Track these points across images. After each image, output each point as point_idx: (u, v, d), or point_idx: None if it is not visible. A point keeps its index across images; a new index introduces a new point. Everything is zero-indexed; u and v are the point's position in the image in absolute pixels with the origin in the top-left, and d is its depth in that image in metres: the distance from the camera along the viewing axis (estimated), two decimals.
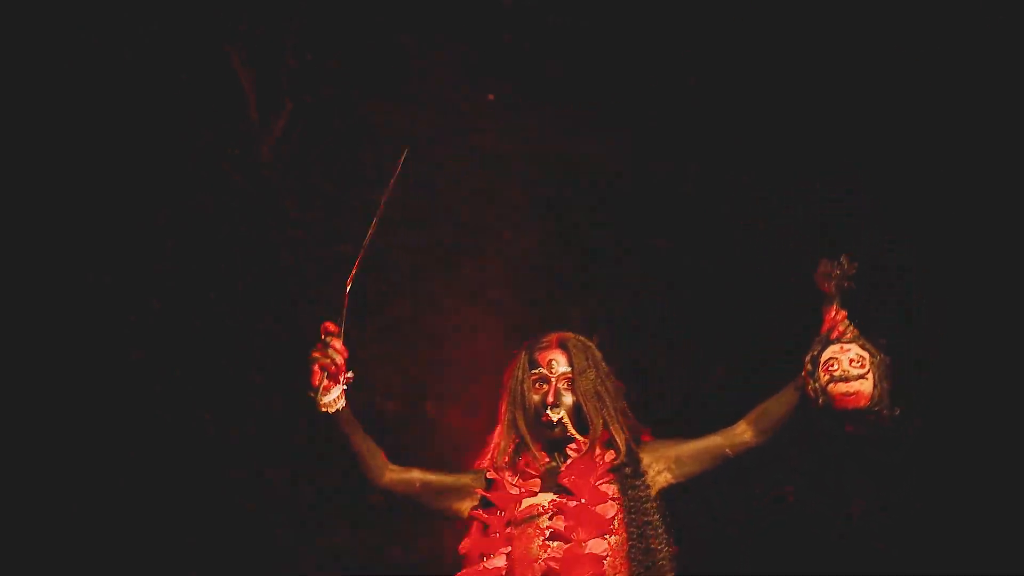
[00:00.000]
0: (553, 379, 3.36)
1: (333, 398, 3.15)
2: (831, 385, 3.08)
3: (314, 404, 3.15)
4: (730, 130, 6.55)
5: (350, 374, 3.18)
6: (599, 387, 3.36)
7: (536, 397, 3.37)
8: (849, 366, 3.06)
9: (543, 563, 3.22)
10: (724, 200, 6.61)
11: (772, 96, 6.47)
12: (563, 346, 3.43)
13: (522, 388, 3.42)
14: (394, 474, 3.33)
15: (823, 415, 3.19)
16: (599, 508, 3.23)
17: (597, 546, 3.17)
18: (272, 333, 6.68)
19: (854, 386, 3.06)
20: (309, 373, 3.14)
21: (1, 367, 6.20)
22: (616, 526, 3.25)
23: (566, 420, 3.34)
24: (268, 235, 6.76)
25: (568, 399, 3.35)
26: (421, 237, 6.85)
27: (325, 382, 3.12)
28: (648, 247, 6.73)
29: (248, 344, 6.69)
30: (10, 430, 6.19)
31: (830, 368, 3.09)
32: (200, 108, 6.66)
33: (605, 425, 3.37)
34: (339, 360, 3.15)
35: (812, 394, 3.14)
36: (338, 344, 3.17)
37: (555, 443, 3.39)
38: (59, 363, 6.32)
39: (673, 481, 3.35)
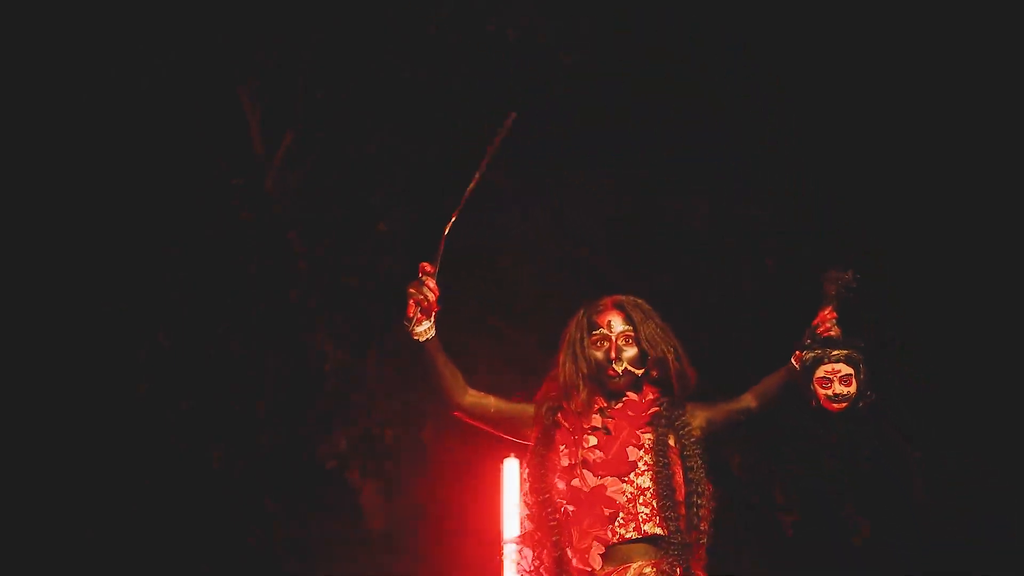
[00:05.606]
0: (613, 336, 3.55)
1: (424, 328, 3.40)
2: (824, 400, 3.59)
3: (407, 332, 3.41)
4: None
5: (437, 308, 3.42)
6: (659, 332, 3.56)
7: (599, 354, 3.55)
8: (840, 386, 3.56)
9: (563, 496, 3.44)
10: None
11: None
12: (619, 307, 3.63)
13: (582, 347, 3.59)
14: (473, 398, 3.52)
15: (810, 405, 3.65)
16: (628, 450, 3.45)
17: (614, 486, 3.40)
18: (277, 366, 6.85)
19: (843, 402, 3.58)
20: (405, 305, 3.38)
21: (15, 399, 6.37)
22: (642, 470, 3.44)
23: (631, 368, 3.54)
24: (275, 267, 6.91)
25: (629, 352, 3.55)
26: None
27: (418, 315, 3.39)
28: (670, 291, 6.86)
29: (254, 376, 6.85)
30: (25, 460, 6.36)
31: (823, 385, 3.58)
32: (208, 143, 6.83)
33: (677, 358, 3.56)
34: (431, 297, 3.39)
35: (805, 393, 3.61)
36: (432, 283, 3.41)
37: (618, 393, 3.58)
38: (72, 394, 6.51)
39: (701, 437, 3.56)
